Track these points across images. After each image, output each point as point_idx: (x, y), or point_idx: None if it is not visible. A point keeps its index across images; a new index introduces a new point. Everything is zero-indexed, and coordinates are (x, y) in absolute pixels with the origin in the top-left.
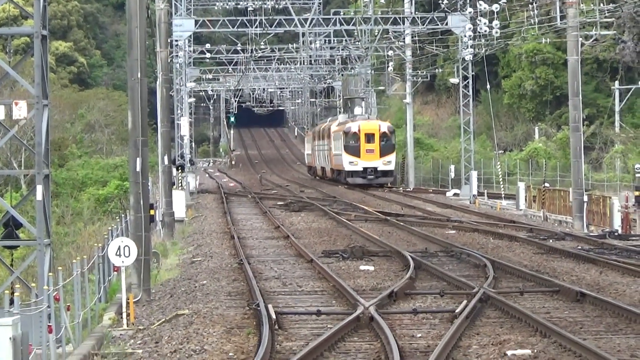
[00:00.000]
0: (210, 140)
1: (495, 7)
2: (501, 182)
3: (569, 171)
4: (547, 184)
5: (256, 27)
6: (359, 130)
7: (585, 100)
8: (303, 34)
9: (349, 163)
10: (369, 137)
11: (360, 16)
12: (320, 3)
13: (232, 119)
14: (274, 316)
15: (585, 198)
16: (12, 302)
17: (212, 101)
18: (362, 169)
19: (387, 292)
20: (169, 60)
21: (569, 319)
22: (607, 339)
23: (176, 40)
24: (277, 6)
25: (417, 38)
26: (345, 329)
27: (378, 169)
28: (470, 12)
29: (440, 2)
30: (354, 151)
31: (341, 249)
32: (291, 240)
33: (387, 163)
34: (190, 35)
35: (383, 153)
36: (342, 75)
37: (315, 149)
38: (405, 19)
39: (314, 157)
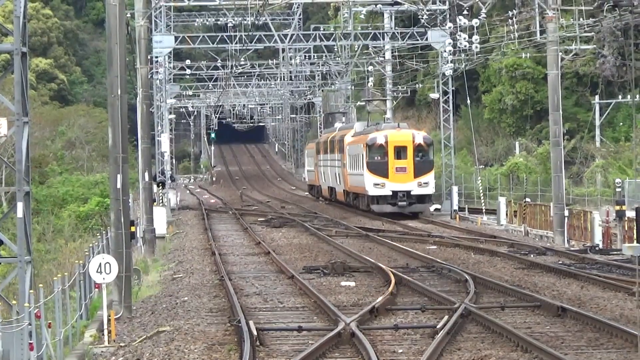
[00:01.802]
0: (190, 157)
1: (474, 22)
2: (482, 197)
3: (549, 186)
4: (527, 199)
5: (236, 43)
6: (387, 143)
7: (565, 115)
8: (283, 50)
9: (373, 185)
10: (400, 152)
11: (340, 32)
12: (300, 19)
13: (213, 135)
14: (255, 332)
15: (566, 213)
16: None
17: (192, 117)
18: (390, 193)
19: (369, 308)
20: (149, 77)
21: (550, 334)
22: (589, 354)
23: (156, 57)
24: (256, 22)
25: (397, 53)
26: (326, 345)
27: (412, 192)
28: (450, 28)
29: (420, 17)
30: (380, 170)
31: (322, 264)
32: (272, 257)
33: (424, 185)
34: (170, 52)
35: (418, 172)
36: (322, 90)
37: (320, 164)
38: (385, 35)
39: (317, 174)
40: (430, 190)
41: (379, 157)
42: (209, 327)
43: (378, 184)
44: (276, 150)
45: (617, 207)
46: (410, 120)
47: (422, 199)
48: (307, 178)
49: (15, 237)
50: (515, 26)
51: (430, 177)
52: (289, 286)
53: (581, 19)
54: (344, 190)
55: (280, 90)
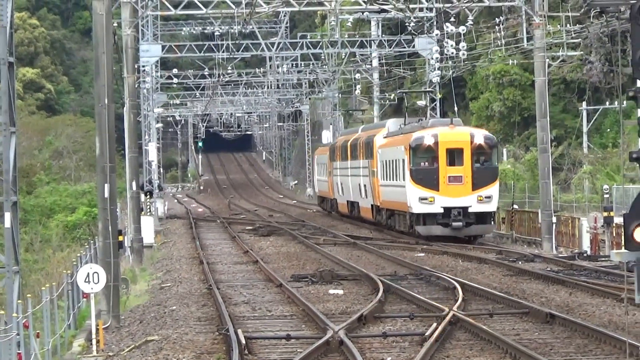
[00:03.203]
0: (178, 166)
1: (462, 29)
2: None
3: (537, 192)
4: (515, 206)
5: (223, 51)
6: (437, 144)
7: (553, 121)
8: (270, 58)
9: (418, 200)
10: (454, 156)
11: (327, 39)
12: (287, 27)
13: (200, 144)
14: (243, 341)
15: (554, 219)
16: None
17: (179, 126)
18: (441, 211)
19: (357, 316)
20: (136, 86)
21: (539, 341)
22: None
23: (143, 66)
24: (243, 31)
25: (384, 61)
26: (315, 353)
27: (470, 210)
28: (437, 35)
29: (407, 24)
30: (429, 180)
31: (310, 273)
32: (260, 265)
33: (485, 200)
34: (157, 61)
35: (478, 182)
36: (309, 98)
37: (335, 173)
38: (372, 42)
39: (331, 185)
40: (493, 206)
41: (427, 163)
42: (198, 336)
43: (425, 199)
44: (264, 158)
45: (605, 214)
46: None
47: (483, 218)
48: (316, 189)
49: (3, 247)
50: (502, 33)
51: (494, 190)
52: (277, 294)
53: (568, 26)
54: (372, 205)
55: (268, 98)
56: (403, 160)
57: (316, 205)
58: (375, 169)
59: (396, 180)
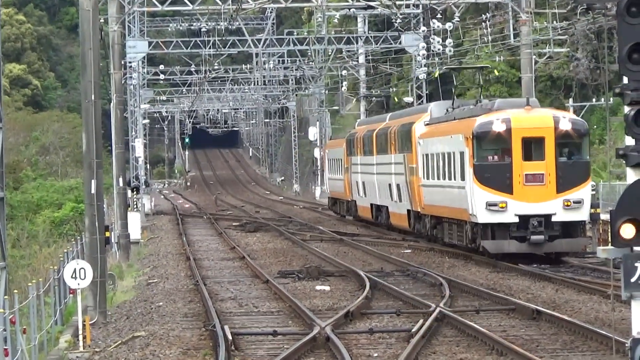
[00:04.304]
0: (165, 162)
1: (448, 25)
2: None
3: None
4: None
5: (210, 48)
6: (510, 131)
7: None
8: (256, 55)
9: (485, 206)
10: (533, 147)
11: (314, 36)
12: (273, 23)
13: (187, 140)
14: (230, 337)
15: None
16: None
17: (166, 122)
18: (516, 220)
19: (343, 312)
20: (122, 82)
21: (525, 337)
22: (564, 357)
23: (130, 62)
24: (230, 27)
25: (370, 57)
26: (301, 350)
27: (554, 218)
28: (423, 31)
29: (393, 21)
30: (498, 179)
31: (297, 269)
32: (247, 261)
33: (574, 206)
34: (144, 57)
35: (565, 182)
36: (296, 95)
37: (355, 170)
38: (359, 39)
39: (349, 184)
40: (584, 214)
41: (496, 157)
42: (184, 332)
43: (494, 205)
44: (250, 155)
45: (592, 210)
46: None
47: (571, 229)
48: (327, 188)
49: None
50: (489, 29)
51: (585, 192)
52: (263, 291)
53: (555, 22)
54: (411, 211)
55: (254, 95)
56: (461, 154)
57: (301, 203)
58: (414, 165)
59: (449, 179)
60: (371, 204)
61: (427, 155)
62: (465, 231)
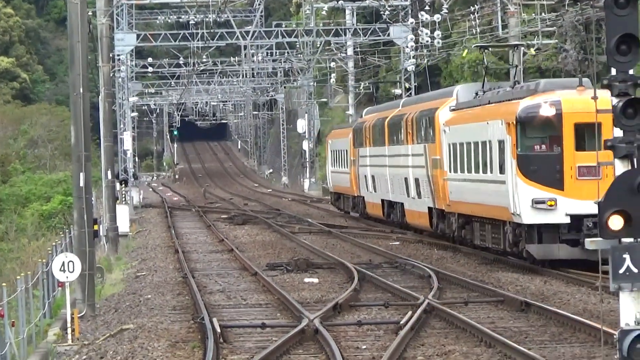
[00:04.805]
0: (153, 155)
1: (436, 17)
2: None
3: None
4: None
5: (198, 40)
6: (560, 116)
7: None
8: (245, 47)
9: (531, 205)
10: (588, 135)
11: (302, 28)
12: (261, 16)
13: (175, 132)
14: (218, 330)
15: None
16: None
17: (155, 115)
18: (567, 221)
19: (332, 304)
20: (111, 75)
21: (514, 329)
22: (552, 348)
23: (118, 55)
24: (218, 19)
25: (359, 49)
26: (290, 342)
27: None
28: (411, 23)
29: (382, 13)
30: (546, 172)
31: (285, 261)
32: (235, 254)
33: None
34: (132, 50)
35: None
36: (284, 87)
37: (364, 162)
38: (347, 31)
39: (356, 178)
40: None
41: (543, 147)
42: (173, 325)
43: (541, 202)
44: (239, 147)
45: None
46: None
47: None
48: (330, 183)
49: None
50: (477, 21)
51: None
52: (252, 283)
53: (543, 14)
54: (432, 209)
55: (243, 87)
56: (500, 143)
57: (290, 195)
58: (438, 157)
59: (483, 172)
60: (382, 200)
61: (454, 144)
62: (504, 233)
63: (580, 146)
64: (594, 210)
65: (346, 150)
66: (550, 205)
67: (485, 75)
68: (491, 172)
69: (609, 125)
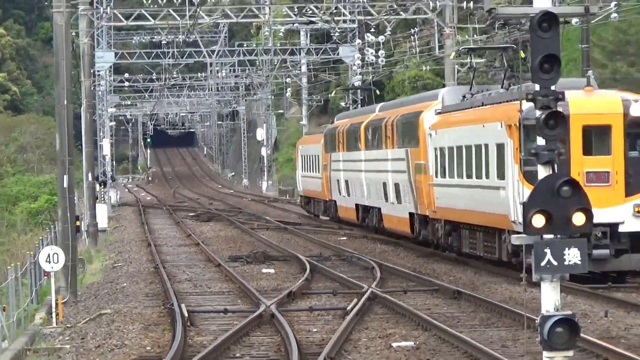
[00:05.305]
0: (129, 159)
1: (381, 38)
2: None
3: None
4: None
5: (169, 58)
6: (567, 117)
7: None
8: (210, 64)
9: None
10: (595, 138)
11: (262, 48)
12: (225, 36)
13: (149, 140)
14: (186, 314)
15: None
16: None
17: (130, 124)
18: None
19: (286, 292)
20: (92, 89)
21: (447, 315)
22: (481, 332)
23: (98, 71)
24: (187, 39)
25: (311, 67)
26: (249, 325)
27: (622, 228)
28: (358, 44)
29: (332, 34)
30: None
31: (245, 254)
32: (201, 247)
33: None
34: (111, 66)
35: (636, 183)
36: (245, 100)
37: (337, 167)
38: (301, 50)
39: (328, 182)
40: None
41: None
42: (146, 310)
43: None
44: (205, 153)
45: None
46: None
47: None
48: (300, 187)
49: None
50: (417, 42)
51: None
52: (216, 273)
53: (475, 36)
54: (414, 215)
55: (208, 100)
56: (499, 146)
57: (249, 196)
58: (422, 162)
59: (477, 177)
60: (356, 205)
61: (442, 149)
62: (501, 242)
63: (588, 150)
64: (603, 219)
65: (317, 156)
66: None
67: (474, 78)
68: (487, 177)
69: (619, 128)
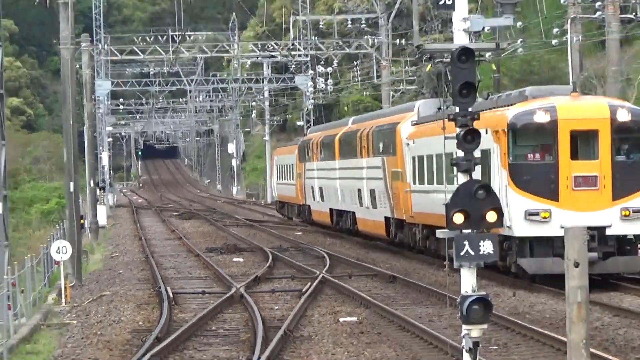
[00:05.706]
0: (124, 169)
1: (329, 69)
2: None
3: None
4: None
5: (156, 86)
6: (555, 122)
7: None
8: (190, 91)
9: (524, 216)
10: (584, 143)
11: (232, 77)
12: (202, 68)
13: (140, 153)
14: (171, 295)
15: None
16: None
17: (125, 140)
18: (562, 234)
19: (253, 277)
20: (93, 111)
21: (385, 295)
22: (412, 309)
23: (98, 96)
24: (170, 70)
25: (273, 93)
26: (223, 304)
27: (609, 231)
28: (311, 73)
29: (289, 66)
30: (539, 182)
31: (219, 246)
32: (183, 241)
33: (634, 215)
34: (108, 92)
35: (623, 186)
36: (218, 120)
37: (311, 175)
38: (264, 79)
39: (303, 189)
40: None
41: (537, 155)
42: (138, 292)
43: (535, 214)
44: (186, 163)
45: None
46: (282, 142)
47: (629, 245)
48: (275, 193)
49: None
50: (359, 72)
51: None
52: (195, 262)
53: (406, 67)
54: (389, 219)
55: (188, 120)
56: (484, 153)
57: (222, 198)
58: (400, 170)
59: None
60: (331, 209)
61: (419, 157)
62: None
63: (576, 155)
64: (591, 222)
65: (292, 165)
66: (544, 218)
67: (448, 91)
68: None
69: (606, 133)
